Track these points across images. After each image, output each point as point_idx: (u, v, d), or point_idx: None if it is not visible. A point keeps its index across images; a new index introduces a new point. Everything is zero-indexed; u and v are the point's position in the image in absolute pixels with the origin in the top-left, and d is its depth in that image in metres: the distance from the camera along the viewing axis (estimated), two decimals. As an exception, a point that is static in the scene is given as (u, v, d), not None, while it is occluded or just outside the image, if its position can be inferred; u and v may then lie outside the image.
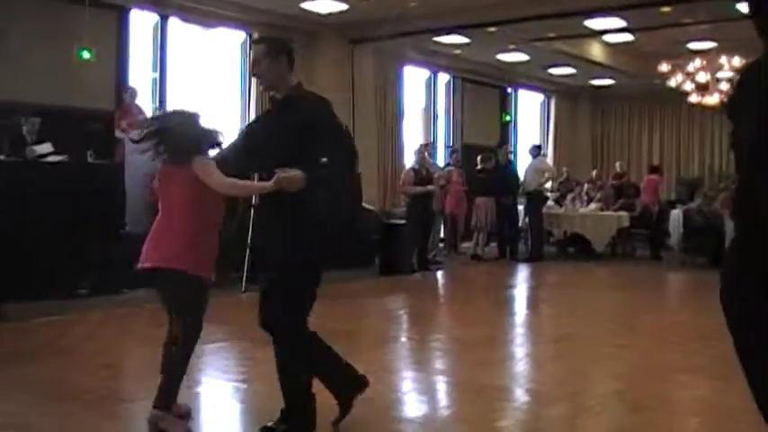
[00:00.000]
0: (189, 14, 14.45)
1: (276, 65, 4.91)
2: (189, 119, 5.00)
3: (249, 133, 5.29)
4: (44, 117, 10.91)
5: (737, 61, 17.43)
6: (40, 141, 10.38)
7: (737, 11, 13.95)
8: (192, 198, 4.85)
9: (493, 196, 16.16)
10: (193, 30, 14.91)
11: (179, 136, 4.85)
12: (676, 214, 16.28)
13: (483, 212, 16.21)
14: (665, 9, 14.26)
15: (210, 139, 4.98)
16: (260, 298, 4.99)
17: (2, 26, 11.98)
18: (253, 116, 15.38)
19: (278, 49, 4.97)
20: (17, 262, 8.86)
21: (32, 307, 8.69)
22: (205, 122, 5.00)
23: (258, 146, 4.94)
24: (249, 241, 11.10)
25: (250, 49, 4.60)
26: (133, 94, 12.47)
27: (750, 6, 2.67)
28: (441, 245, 16.38)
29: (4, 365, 6.60)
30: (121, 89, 12.89)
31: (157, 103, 14.05)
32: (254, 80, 15.38)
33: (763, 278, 2.55)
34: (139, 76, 13.92)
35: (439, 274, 14.07)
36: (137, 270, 4.87)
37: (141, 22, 14.13)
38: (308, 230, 4.79)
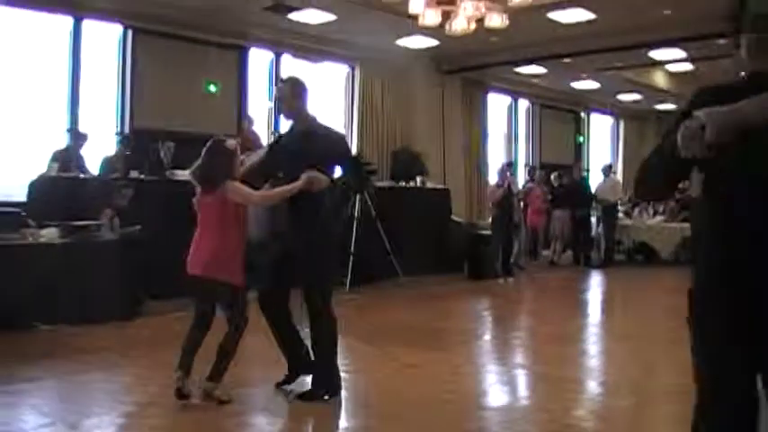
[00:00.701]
0: (299, 51, 14.67)
1: (299, 102, 5.42)
2: (217, 147, 5.30)
3: (276, 155, 5.61)
4: (178, 142, 11.20)
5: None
6: (176, 165, 10.65)
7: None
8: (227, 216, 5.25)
9: (568, 209, 16.07)
10: (303, 64, 15.13)
11: (208, 167, 5.24)
12: None
13: (559, 224, 16.14)
14: (721, 41, 13.96)
15: (232, 166, 5.29)
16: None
17: (142, 66, 12.39)
18: (355, 140, 15.56)
19: (300, 88, 5.46)
20: (156, 266, 9.10)
21: (168, 304, 8.92)
22: (227, 150, 5.29)
23: (287, 166, 5.33)
24: (351, 250, 11.24)
25: (277, 88, 5.04)
26: (251, 121, 12.68)
27: None
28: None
29: (146, 352, 6.81)
30: (241, 117, 13.15)
31: (272, 129, 14.29)
32: (356, 108, 15.62)
33: None
34: (257, 105, 14.19)
35: (520, 278, 13.99)
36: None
37: (259, 59, 14.41)
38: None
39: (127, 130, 12.14)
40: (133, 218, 9.21)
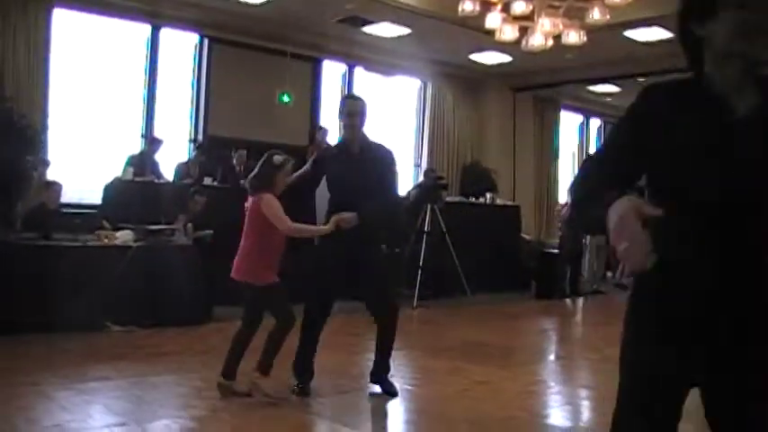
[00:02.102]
0: (372, 64, 14.75)
1: (365, 120, 5.66)
2: (267, 159, 5.59)
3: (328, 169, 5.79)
4: (250, 151, 11.33)
5: None
6: (249, 173, 10.79)
7: None
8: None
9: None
10: (375, 78, 15.20)
11: (257, 172, 5.56)
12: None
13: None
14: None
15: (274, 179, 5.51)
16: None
17: (217, 74, 12.57)
18: (425, 154, 15.59)
19: (367, 107, 5.71)
20: (224, 273, 9.17)
21: (235, 310, 9.00)
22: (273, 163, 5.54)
23: (347, 181, 5.54)
24: (420, 263, 11.22)
25: (356, 102, 5.53)
26: (324, 133, 12.75)
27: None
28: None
29: (217, 357, 6.82)
30: (314, 128, 13.25)
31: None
32: (426, 122, 15.64)
33: None
34: (329, 116, 14.28)
35: (587, 299, 13.81)
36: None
37: (332, 71, 14.53)
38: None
39: (201, 137, 12.34)
40: (205, 225, 9.35)
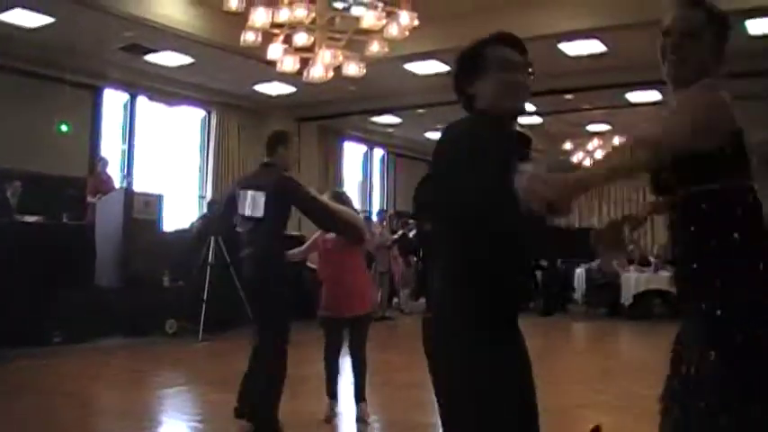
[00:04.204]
0: (155, 94, 14.48)
1: None
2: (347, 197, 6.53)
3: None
4: (25, 182, 10.81)
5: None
6: (24, 206, 10.30)
7: (626, 100, 14.50)
8: None
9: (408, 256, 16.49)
10: (159, 107, 14.92)
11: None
12: (579, 272, 16.60)
13: (399, 271, 16.37)
14: (568, 96, 14.73)
15: None
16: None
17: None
18: (210, 185, 15.43)
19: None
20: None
21: (12, 351, 8.51)
22: None
23: None
24: (204, 296, 11.02)
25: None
26: (105, 163, 12.41)
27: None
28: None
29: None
30: (94, 159, 12.83)
31: (125, 172, 13.97)
32: (211, 152, 15.50)
33: None
34: (110, 147, 13.87)
35: (374, 325, 14.00)
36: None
37: (113, 100, 14.13)
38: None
39: (-30, 168, 11.61)
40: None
